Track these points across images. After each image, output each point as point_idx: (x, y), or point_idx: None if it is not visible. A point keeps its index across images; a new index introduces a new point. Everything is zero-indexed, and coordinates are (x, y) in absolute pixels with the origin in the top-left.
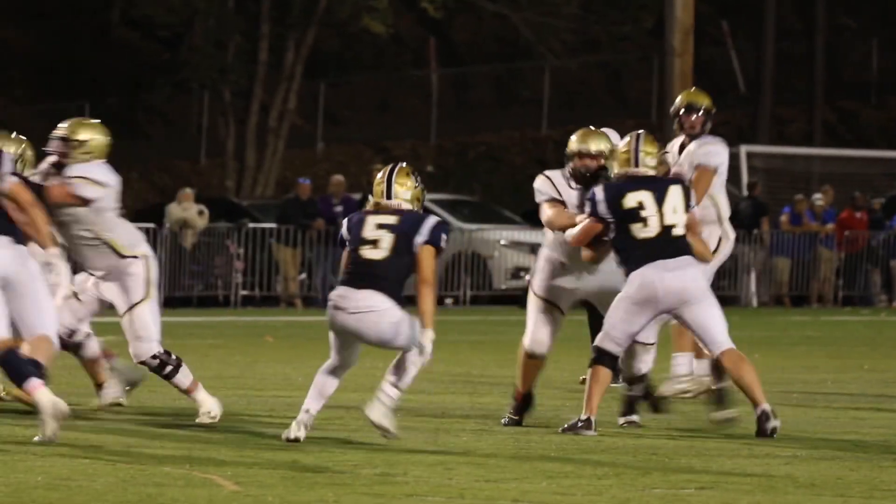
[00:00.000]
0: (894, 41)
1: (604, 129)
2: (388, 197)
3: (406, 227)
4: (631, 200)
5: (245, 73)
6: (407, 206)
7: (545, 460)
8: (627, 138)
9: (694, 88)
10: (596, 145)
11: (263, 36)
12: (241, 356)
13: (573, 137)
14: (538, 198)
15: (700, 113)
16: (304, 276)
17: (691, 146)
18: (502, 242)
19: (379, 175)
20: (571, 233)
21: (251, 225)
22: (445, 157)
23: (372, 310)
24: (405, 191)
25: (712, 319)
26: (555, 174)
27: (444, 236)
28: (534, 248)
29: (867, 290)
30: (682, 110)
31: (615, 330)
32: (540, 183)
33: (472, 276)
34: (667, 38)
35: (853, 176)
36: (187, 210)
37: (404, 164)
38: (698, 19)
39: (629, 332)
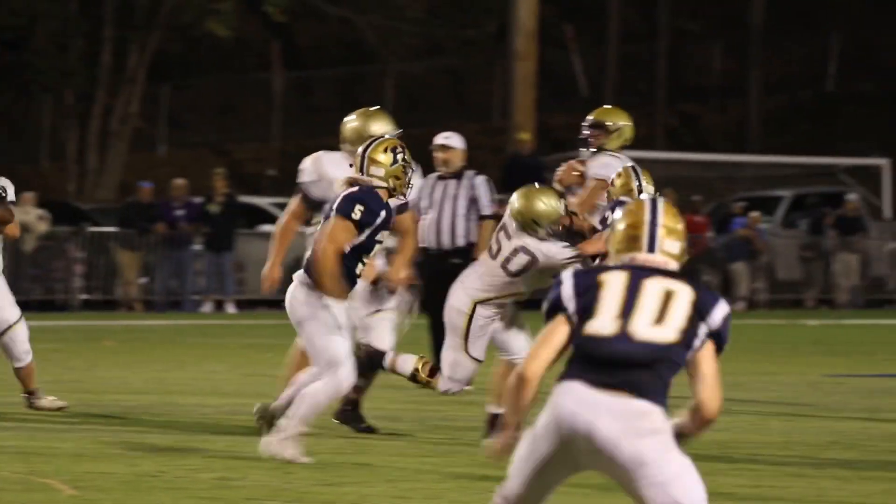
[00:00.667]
0: (735, 45)
1: (450, 133)
2: (361, 172)
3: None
4: None
5: (88, 76)
6: (379, 182)
7: (384, 464)
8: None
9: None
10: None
11: (106, 39)
12: (81, 360)
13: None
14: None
15: (598, 128)
16: (144, 279)
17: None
18: None
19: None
20: None
21: (92, 229)
22: (288, 161)
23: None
24: (377, 168)
25: None
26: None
27: (356, 207)
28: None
29: None
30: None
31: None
32: None
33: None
34: (510, 41)
35: (694, 180)
36: (27, 214)
37: (387, 137)
38: (541, 23)
39: None
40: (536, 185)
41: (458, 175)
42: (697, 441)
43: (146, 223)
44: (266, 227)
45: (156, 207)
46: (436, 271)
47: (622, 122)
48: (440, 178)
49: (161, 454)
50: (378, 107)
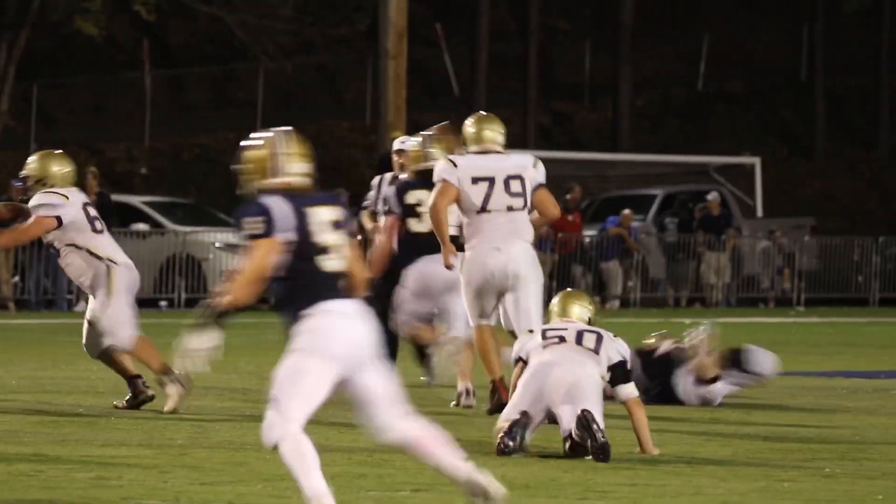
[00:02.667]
0: (606, 43)
1: (405, 137)
2: None
3: None
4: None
5: None
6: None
7: (260, 463)
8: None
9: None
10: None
11: None
12: None
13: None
14: None
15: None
16: (16, 278)
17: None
18: (217, 245)
19: None
20: None
21: None
22: (160, 159)
23: None
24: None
25: None
26: None
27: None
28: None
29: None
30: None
31: None
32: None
33: (187, 279)
34: (381, 40)
35: (567, 178)
36: None
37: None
38: (412, 21)
39: None
40: None
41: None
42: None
43: (17, 222)
44: (139, 226)
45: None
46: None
47: None
48: (394, 179)
49: (36, 453)
50: None
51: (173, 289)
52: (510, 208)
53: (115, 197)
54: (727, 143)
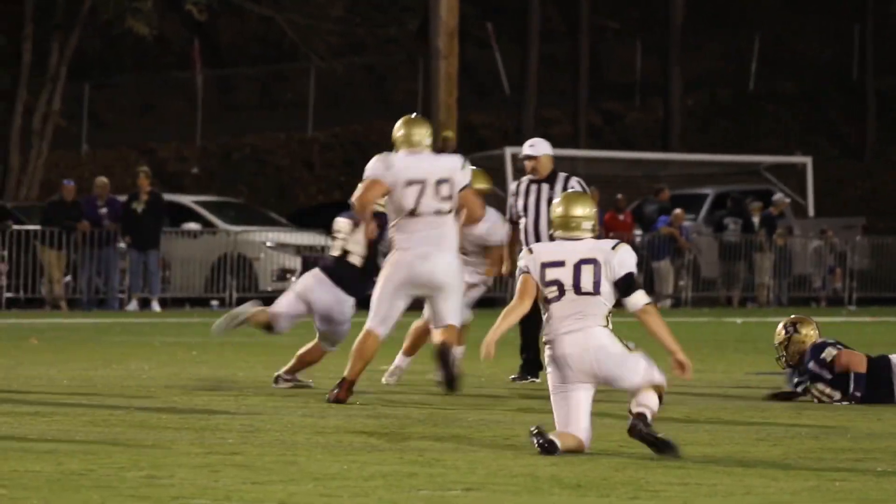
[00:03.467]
0: (656, 44)
1: (534, 140)
2: None
3: None
4: None
5: (9, 75)
6: None
7: (311, 461)
8: None
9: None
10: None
11: (27, 37)
12: (6, 358)
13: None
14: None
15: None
16: (69, 278)
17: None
18: (268, 244)
19: None
20: None
21: (15, 227)
22: (210, 159)
23: None
24: None
25: None
26: None
27: None
28: (299, 250)
29: None
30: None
31: None
32: None
33: (238, 279)
34: (431, 40)
35: (618, 178)
36: None
37: None
38: (462, 21)
39: None
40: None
41: (549, 178)
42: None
43: (70, 221)
44: (190, 225)
45: (79, 206)
46: None
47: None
48: (532, 182)
49: (88, 452)
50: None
51: (225, 288)
52: (438, 212)
53: (167, 197)
54: (776, 144)
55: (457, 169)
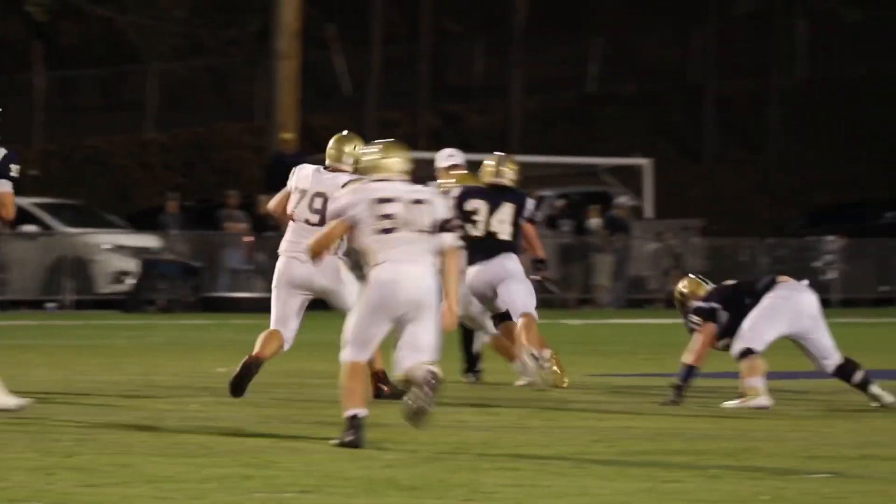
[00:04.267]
0: (496, 45)
1: (452, 151)
2: None
3: None
4: None
5: None
6: None
7: (147, 464)
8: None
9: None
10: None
11: None
12: None
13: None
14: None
15: None
16: None
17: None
18: (105, 246)
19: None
20: None
21: None
22: (51, 161)
23: None
24: None
25: None
26: None
27: None
28: (137, 252)
29: None
30: None
31: None
32: None
33: (76, 281)
34: (273, 41)
35: None
36: None
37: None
38: (305, 22)
39: None
40: None
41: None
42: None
43: None
44: (28, 227)
45: None
46: None
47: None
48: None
49: None
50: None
51: (61, 290)
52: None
53: None
54: (617, 146)
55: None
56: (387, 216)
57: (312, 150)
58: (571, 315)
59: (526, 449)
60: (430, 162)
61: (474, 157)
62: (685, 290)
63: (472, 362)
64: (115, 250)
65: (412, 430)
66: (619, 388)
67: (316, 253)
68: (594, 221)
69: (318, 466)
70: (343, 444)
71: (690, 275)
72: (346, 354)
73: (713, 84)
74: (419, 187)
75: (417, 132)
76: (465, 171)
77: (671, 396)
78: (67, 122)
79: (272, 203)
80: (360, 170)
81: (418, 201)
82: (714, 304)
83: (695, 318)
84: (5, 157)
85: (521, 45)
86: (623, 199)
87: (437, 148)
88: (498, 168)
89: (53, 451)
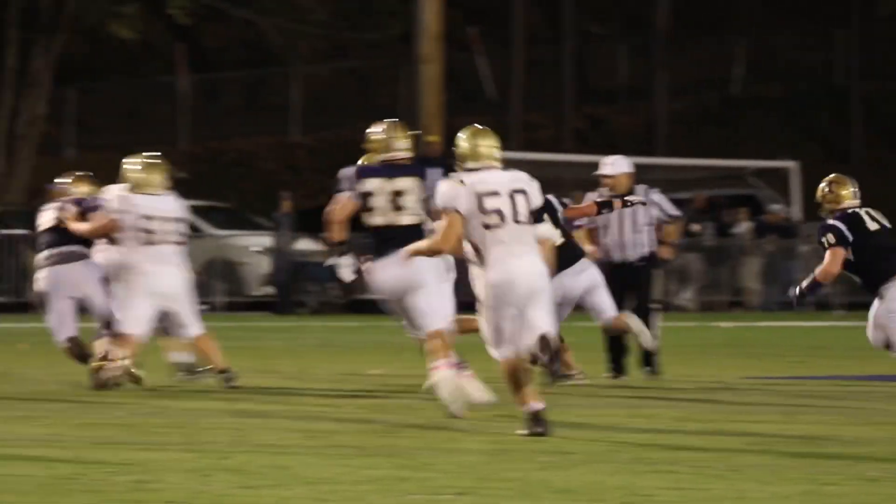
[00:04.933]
0: (641, 47)
1: (613, 159)
2: None
3: None
4: None
5: None
6: None
7: (303, 465)
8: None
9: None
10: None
11: (11, 41)
12: None
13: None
14: None
15: None
16: None
17: None
18: (255, 249)
19: None
20: None
21: (2, 231)
22: (197, 164)
23: None
24: None
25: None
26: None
27: None
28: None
29: None
30: None
31: None
32: None
33: (226, 283)
34: (415, 45)
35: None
36: None
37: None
38: (446, 25)
39: None
40: None
41: (629, 194)
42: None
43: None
44: None
45: None
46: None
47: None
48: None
49: (77, 457)
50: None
51: (213, 293)
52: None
53: None
54: (762, 148)
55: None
56: (491, 211)
57: None
58: (722, 318)
59: (682, 452)
60: (577, 165)
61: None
62: (830, 190)
63: (646, 359)
64: (264, 253)
65: (567, 433)
66: (772, 391)
67: (440, 253)
68: (743, 225)
69: (473, 468)
70: (531, 435)
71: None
72: (496, 355)
73: (858, 85)
74: (516, 175)
75: (562, 135)
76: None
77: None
78: (212, 124)
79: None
80: (456, 158)
81: (518, 191)
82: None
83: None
84: None
85: (665, 47)
86: (777, 207)
87: (583, 151)
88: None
89: (209, 452)
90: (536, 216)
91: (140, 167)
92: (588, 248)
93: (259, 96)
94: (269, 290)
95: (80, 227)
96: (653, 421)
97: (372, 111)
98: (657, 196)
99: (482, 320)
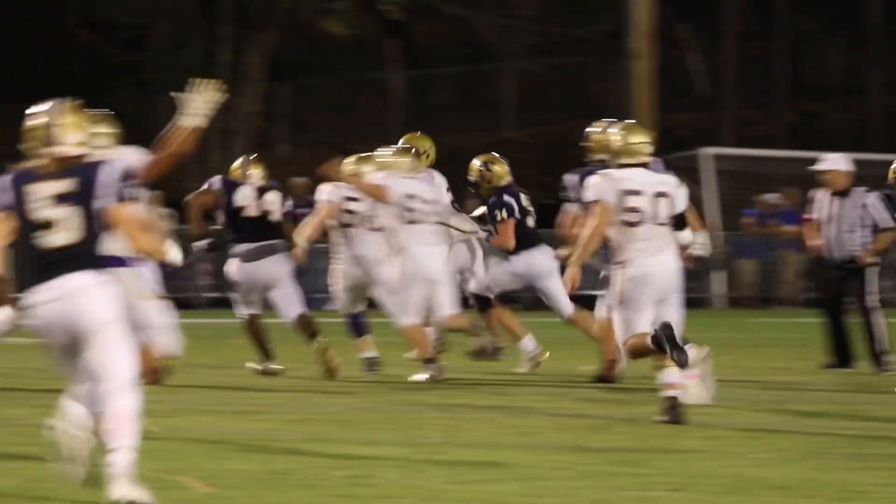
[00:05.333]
0: (856, 42)
1: (831, 156)
2: None
3: None
4: None
5: (206, 75)
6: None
7: (516, 461)
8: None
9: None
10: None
11: (224, 38)
12: (209, 358)
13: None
14: None
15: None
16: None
17: None
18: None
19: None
20: None
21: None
22: None
23: None
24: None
25: None
26: None
27: None
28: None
29: None
30: None
31: None
32: None
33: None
34: (627, 41)
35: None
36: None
37: None
38: (658, 22)
39: None
40: None
41: (845, 193)
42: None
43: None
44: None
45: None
46: (832, 278)
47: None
48: (833, 194)
49: (294, 451)
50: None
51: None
52: None
53: None
54: None
55: None
56: (632, 209)
57: (671, 149)
58: None
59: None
60: (791, 161)
61: (833, 155)
62: None
63: (874, 355)
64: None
65: (782, 427)
66: None
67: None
68: None
69: (686, 465)
70: (666, 422)
71: None
72: (623, 350)
73: None
74: (663, 177)
75: (775, 131)
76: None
77: None
78: (424, 120)
79: None
80: (610, 153)
81: (661, 194)
82: None
83: None
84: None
85: (879, 42)
86: None
87: (796, 146)
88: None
89: (422, 447)
90: (679, 222)
91: (392, 152)
92: (813, 242)
93: (471, 92)
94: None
95: (307, 226)
96: (868, 417)
97: (584, 107)
98: (873, 200)
99: (614, 319)
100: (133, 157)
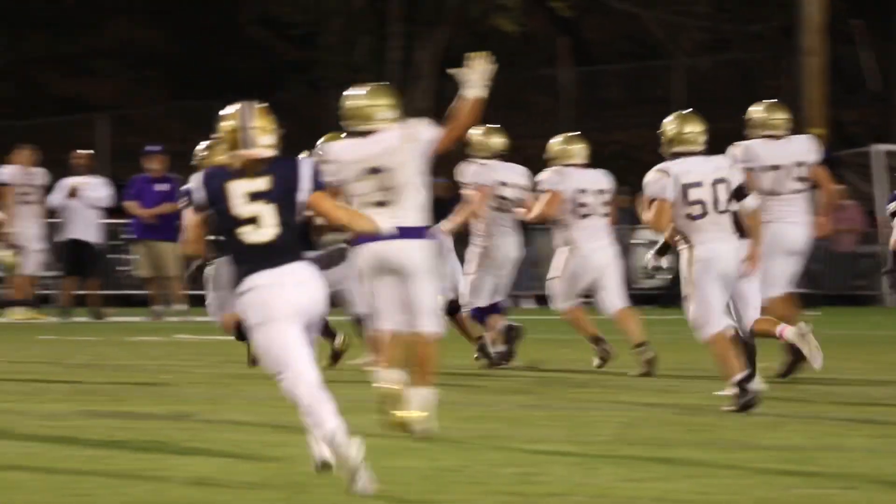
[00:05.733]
0: None
1: None
2: None
3: None
4: None
5: (376, 72)
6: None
7: (687, 458)
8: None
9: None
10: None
11: (394, 34)
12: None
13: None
14: None
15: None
16: None
17: None
18: (636, 241)
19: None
20: None
21: None
22: None
23: None
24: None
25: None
26: None
27: None
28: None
29: None
30: None
31: None
32: None
33: None
34: (799, 37)
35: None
36: None
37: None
38: (830, 17)
39: None
40: None
41: None
42: None
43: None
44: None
45: (454, 202)
46: None
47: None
48: None
49: (463, 449)
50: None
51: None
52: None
53: None
54: None
55: None
56: (694, 202)
57: (842, 146)
58: None
59: None
60: None
61: None
62: None
63: None
64: (647, 245)
65: None
66: None
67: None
68: None
69: (857, 463)
70: (738, 410)
71: None
72: (705, 333)
73: None
74: (718, 161)
75: None
76: None
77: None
78: (594, 116)
79: None
80: (664, 141)
81: (719, 181)
82: None
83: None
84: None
85: None
86: None
87: None
88: None
89: (593, 444)
90: (739, 194)
91: (562, 140)
92: None
93: (641, 89)
94: (655, 282)
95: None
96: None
97: (754, 103)
98: None
99: (688, 304)
100: (427, 131)
